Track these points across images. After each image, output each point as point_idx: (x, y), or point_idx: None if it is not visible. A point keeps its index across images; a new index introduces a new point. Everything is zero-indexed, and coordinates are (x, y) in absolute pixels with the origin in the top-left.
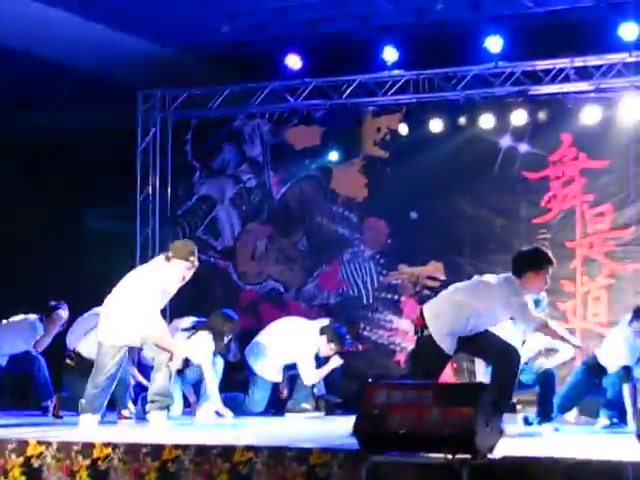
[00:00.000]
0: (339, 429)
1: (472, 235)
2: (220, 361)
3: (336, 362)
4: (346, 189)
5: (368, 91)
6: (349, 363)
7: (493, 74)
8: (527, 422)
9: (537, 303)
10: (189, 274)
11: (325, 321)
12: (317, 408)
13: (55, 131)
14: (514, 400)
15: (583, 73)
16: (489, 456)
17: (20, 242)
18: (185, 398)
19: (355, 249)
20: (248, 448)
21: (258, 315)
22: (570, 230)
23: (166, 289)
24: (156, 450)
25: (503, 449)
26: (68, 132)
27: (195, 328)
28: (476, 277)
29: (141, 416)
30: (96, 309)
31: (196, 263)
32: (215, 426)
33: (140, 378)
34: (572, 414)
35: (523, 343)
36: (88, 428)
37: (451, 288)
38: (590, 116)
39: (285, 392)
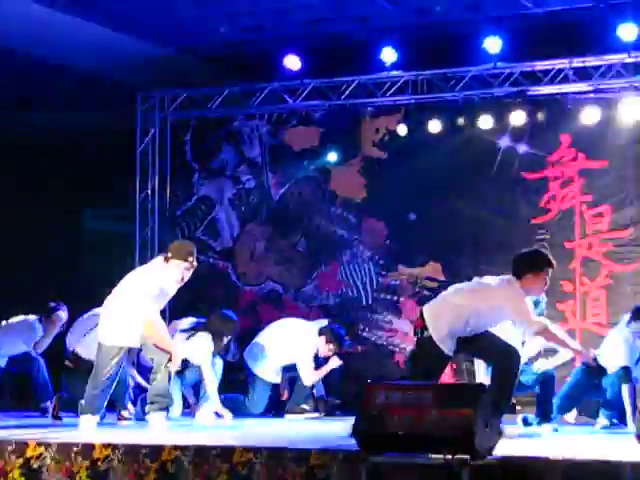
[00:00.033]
0: (338, 430)
1: (471, 236)
2: (219, 362)
3: (335, 363)
4: (345, 190)
5: (367, 92)
6: (348, 364)
7: (492, 75)
8: (526, 423)
9: (536, 304)
10: (188, 275)
11: (324, 322)
12: (316, 409)
13: (55, 131)
14: (513, 401)
15: (582, 74)
16: (488, 457)
17: (20, 242)
18: (184, 399)
19: (354, 250)
20: (247, 449)
21: (257, 316)
22: (569, 230)
23: (165, 290)
24: (155, 451)
25: (502, 450)
26: (68, 132)
27: (194, 329)
28: (476, 279)
29: (140, 417)
30: (96, 310)
31: (195, 264)
32: (214, 427)
33: (139, 379)
34: (571, 415)
35: (523, 344)
36: (88, 429)
37: (451, 289)
38: (589, 117)
39: (285, 393)
